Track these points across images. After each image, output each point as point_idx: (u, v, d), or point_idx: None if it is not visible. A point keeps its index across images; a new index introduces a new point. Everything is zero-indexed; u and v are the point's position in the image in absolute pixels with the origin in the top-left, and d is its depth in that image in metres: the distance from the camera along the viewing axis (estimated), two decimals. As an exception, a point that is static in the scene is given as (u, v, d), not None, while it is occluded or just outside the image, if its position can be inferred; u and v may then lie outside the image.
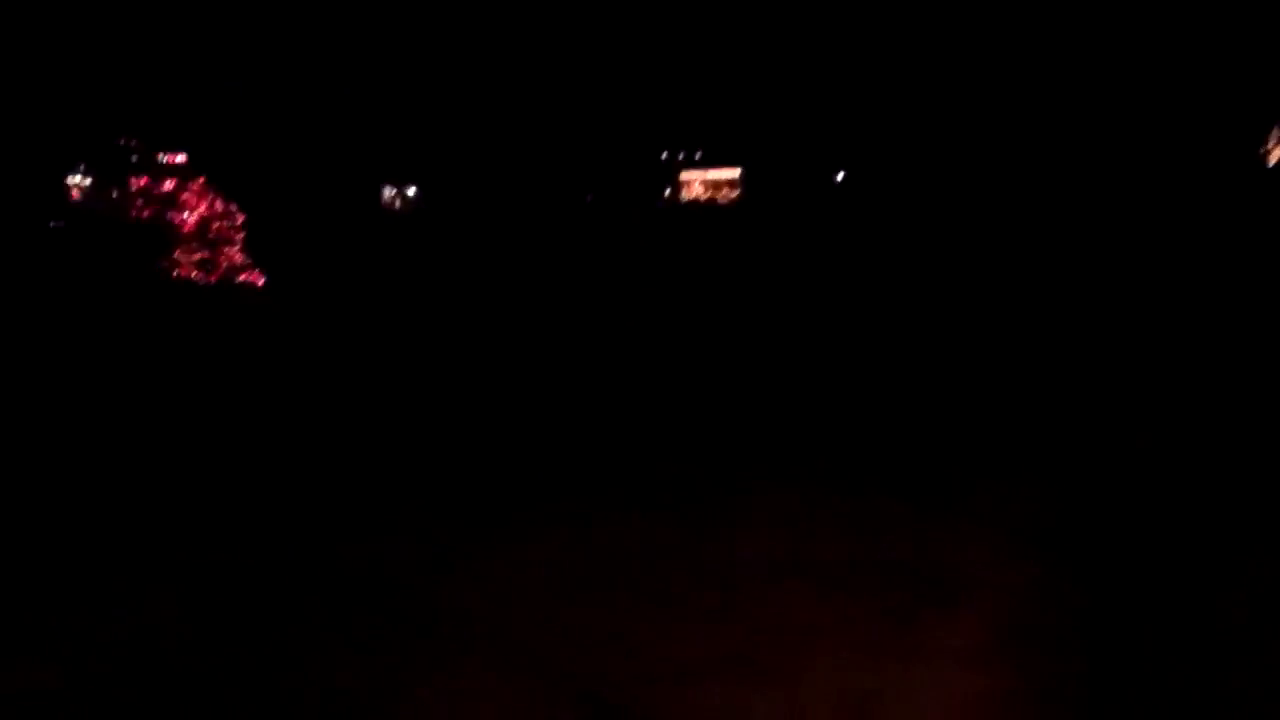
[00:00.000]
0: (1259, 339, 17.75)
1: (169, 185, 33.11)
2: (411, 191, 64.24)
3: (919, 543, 9.13)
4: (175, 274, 32.75)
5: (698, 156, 57.73)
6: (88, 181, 34.13)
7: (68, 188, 34.16)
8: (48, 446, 13.66)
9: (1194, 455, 11.36)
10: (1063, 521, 9.51)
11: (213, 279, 33.33)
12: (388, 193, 65.34)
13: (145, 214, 32.89)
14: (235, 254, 33.98)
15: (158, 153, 33.53)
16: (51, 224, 31.60)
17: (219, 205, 34.16)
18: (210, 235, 33.70)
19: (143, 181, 33.00)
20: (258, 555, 9.41)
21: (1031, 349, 18.05)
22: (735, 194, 56.19)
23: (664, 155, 56.62)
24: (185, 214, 33.14)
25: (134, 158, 33.49)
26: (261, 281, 33.77)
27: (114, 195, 33.20)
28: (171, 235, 32.99)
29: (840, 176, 50.88)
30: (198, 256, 33.18)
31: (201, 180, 34.22)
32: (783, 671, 6.78)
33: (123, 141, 33.54)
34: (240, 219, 34.50)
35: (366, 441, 13.93)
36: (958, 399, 15.01)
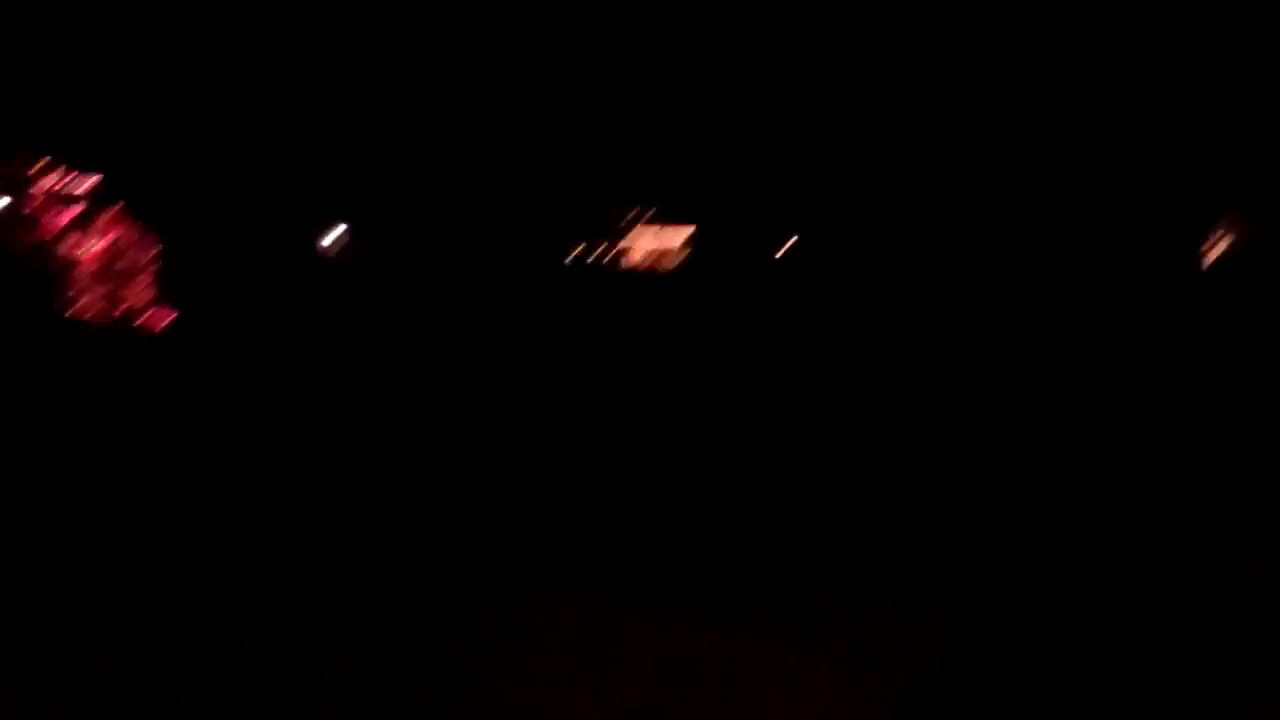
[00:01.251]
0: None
1: (72, 213, 30.99)
2: (340, 232, 62.19)
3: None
4: (69, 311, 30.58)
5: (650, 215, 56.80)
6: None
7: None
8: None
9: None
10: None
11: (113, 317, 31.25)
12: (331, 235, 63.46)
13: (42, 244, 30.68)
14: (141, 291, 31.92)
15: (65, 174, 31.38)
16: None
17: (128, 236, 32.13)
18: (115, 269, 31.61)
19: (43, 206, 30.83)
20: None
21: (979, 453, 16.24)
22: (682, 257, 55.07)
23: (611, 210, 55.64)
24: (88, 245, 31.00)
25: (40, 181, 31.31)
26: (167, 321, 31.78)
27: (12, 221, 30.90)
28: (70, 268, 30.84)
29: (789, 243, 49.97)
30: (98, 292, 31.04)
31: (115, 208, 32.18)
32: None
33: (27, 162, 31.27)
34: (153, 251, 32.49)
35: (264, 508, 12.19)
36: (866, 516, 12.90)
